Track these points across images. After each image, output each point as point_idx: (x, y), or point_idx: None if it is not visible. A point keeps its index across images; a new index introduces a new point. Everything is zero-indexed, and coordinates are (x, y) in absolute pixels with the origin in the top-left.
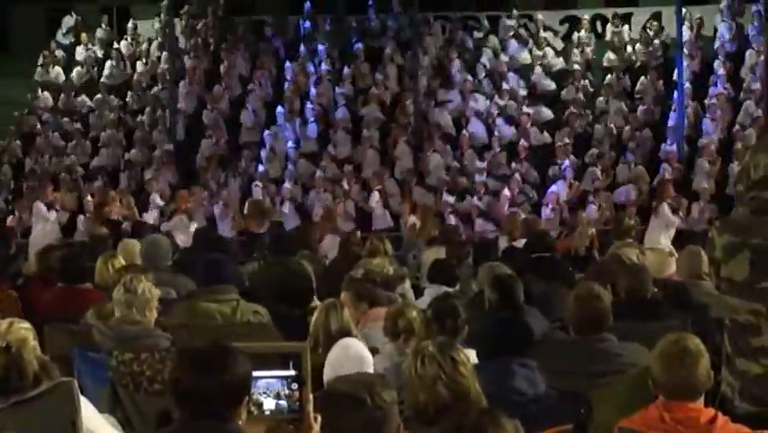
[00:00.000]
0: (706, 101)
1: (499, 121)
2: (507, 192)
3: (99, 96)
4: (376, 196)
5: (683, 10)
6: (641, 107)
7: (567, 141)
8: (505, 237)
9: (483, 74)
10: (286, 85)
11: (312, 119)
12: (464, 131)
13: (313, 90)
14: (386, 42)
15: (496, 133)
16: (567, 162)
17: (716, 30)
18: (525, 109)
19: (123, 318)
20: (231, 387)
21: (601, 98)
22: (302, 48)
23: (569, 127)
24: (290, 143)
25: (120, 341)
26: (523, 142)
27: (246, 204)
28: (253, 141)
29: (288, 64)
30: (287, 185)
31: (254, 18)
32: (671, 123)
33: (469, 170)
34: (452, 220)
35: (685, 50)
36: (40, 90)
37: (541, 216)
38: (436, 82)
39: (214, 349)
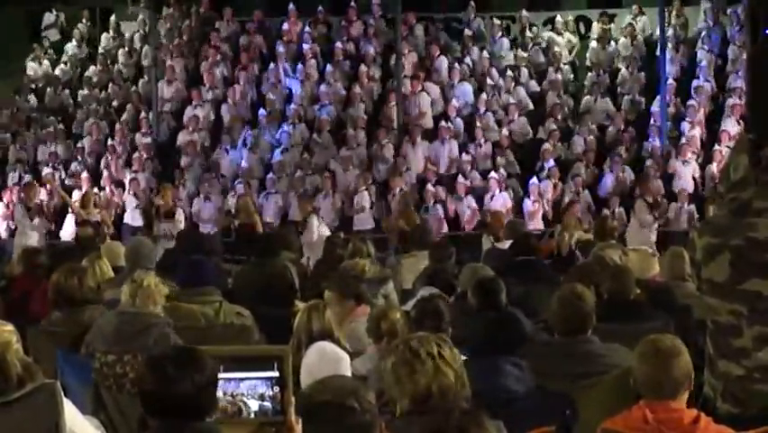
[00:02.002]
0: (688, 101)
1: (485, 113)
2: (494, 174)
3: (85, 91)
4: (363, 196)
5: (666, 10)
6: (626, 97)
7: (551, 144)
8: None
9: (467, 70)
10: (267, 86)
11: (294, 121)
12: (448, 123)
13: (297, 91)
14: (367, 43)
15: (478, 124)
16: (551, 162)
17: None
18: (510, 99)
19: (124, 304)
20: (199, 389)
21: (587, 97)
22: (281, 49)
23: (552, 118)
24: (271, 144)
25: (120, 320)
26: (505, 131)
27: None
28: (234, 140)
29: (271, 66)
30: (270, 176)
31: (237, 19)
32: (653, 120)
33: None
34: (438, 210)
35: (669, 44)
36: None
37: (523, 208)
38: (418, 79)
39: (176, 354)
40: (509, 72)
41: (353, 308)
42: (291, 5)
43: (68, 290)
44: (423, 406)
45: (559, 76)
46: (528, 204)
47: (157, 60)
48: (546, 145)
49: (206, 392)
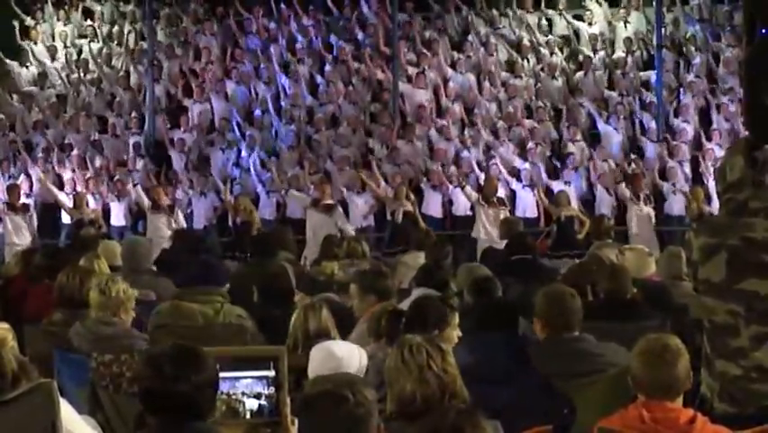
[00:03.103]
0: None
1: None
2: (495, 160)
3: (75, 75)
4: (361, 196)
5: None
6: (618, 72)
7: (536, 121)
8: None
9: (469, 49)
10: (261, 84)
11: (290, 118)
12: (447, 102)
13: (290, 89)
14: (365, 41)
15: (476, 111)
16: (531, 144)
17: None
18: (512, 82)
19: (97, 319)
20: (197, 389)
21: (579, 74)
22: (272, 48)
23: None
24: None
25: (95, 341)
26: (510, 109)
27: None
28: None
29: (262, 65)
30: (267, 175)
31: (236, 19)
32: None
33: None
34: (430, 194)
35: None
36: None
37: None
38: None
39: (176, 352)
40: (514, 56)
41: (374, 304)
42: (283, 5)
43: (69, 291)
44: (406, 409)
45: (555, 59)
46: (520, 189)
47: (153, 59)
48: (534, 124)
49: (205, 392)
